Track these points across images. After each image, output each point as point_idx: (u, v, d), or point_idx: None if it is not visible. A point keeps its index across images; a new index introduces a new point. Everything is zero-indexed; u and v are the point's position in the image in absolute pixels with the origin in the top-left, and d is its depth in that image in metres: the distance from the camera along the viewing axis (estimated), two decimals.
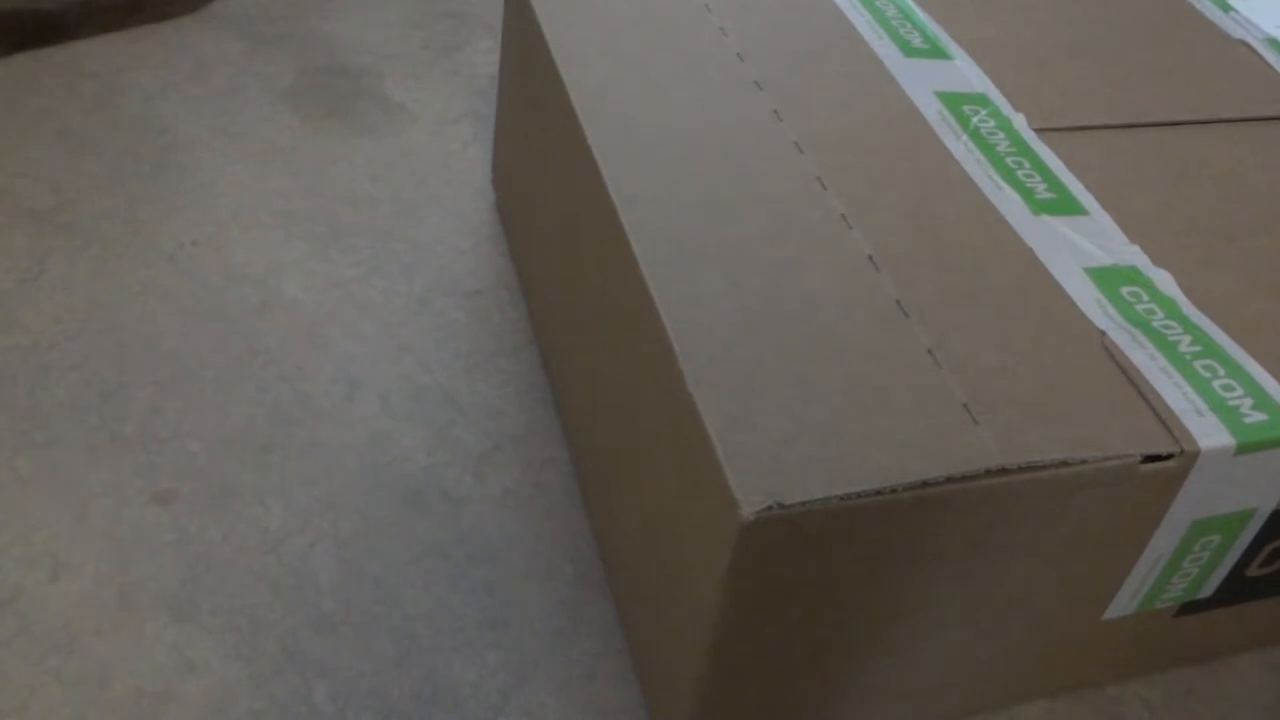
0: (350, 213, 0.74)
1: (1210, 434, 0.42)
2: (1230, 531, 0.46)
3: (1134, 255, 0.49)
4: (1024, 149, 0.54)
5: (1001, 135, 0.55)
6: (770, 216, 0.48)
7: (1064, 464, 0.40)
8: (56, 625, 0.51)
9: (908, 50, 0.60)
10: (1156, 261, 0.49)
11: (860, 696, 0.48)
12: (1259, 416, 0.42)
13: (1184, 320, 0.46)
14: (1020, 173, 0.53)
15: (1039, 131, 0.56)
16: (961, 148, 0.54)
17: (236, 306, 0.67)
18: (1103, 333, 0.45)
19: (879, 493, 0.38)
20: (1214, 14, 0.68)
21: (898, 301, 0.45)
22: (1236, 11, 0.68)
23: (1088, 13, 0.66)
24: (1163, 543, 0.45)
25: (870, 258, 0.47)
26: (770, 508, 0.37)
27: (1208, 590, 0.49)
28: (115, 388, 0.61)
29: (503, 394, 0.64)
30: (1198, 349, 0.45)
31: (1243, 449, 0.42)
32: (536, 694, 0.51)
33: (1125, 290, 0.47)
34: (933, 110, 0.56)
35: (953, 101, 0.57)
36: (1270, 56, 0.64)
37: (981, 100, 0.57)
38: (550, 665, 0.52)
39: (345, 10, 0.94)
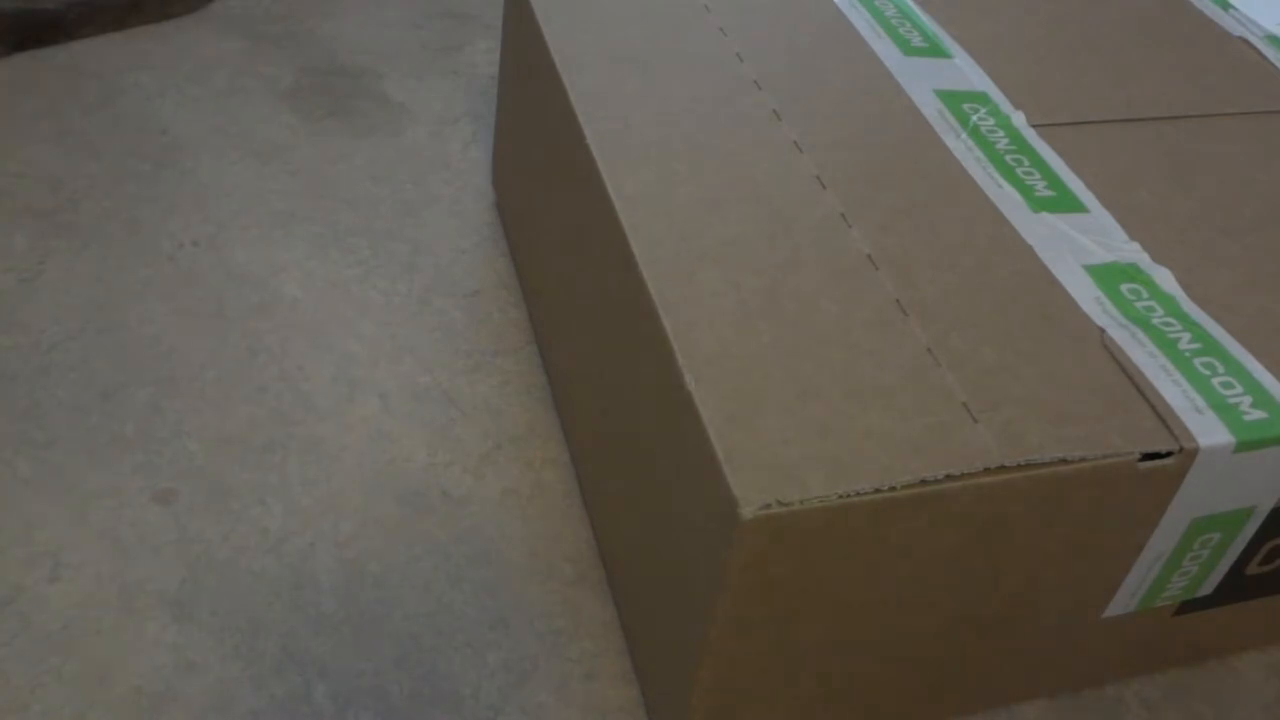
0: (350, 213, 0.74)
1: (1209, 432, 0.42)
2: (1230, 529, 0.46)
3: (1134, 252, 0.49)
4: (1024, 147, 0.54)
5: (1001, 133, 0.55)
6: (769, 216, 0.48)
7: (1063, 462, 0.40)
8: (56, 625, 0.51)
9: (907, 49, 0.60)
10: (1156, 258, 0.49)
11: (859, 696, 0.48)
12: (1258, 414, 0.42)
13: (1184, 317, 0.46)
14: (1020, 170, 0.53)
15: (1038, 129, 0.56)
16: (961, 146, 0.54)
17: (236, 306, 0.67)
18: (1102, 330, 0.45)
19: (878, 491, 0.38)
20: (1214, 11, 0.68)
21: (897, 300, 0.45)
22: (1236, 9, 0.68)
23: (1087, 11, 0.66)
24: (1162, 541, 0.45)
25: (869, 257, 0.47)
26: (770, 507, 0.37)
27: (1207, 589, 0.49)
28: (115, 388, 0.61)
29: (503, 394, 0.64)
30: (1197, 346, 0.45)
31: (1242, 447, 0.42)
32: (536, 694, 0.51)
33: (1125, 287, 0.47)
34: (932, 109, 0.56)
35: (952, 100, 0.57)
36: (1270, 53, 0.64)
37: (981, 98, 0.57)
38: (550, 665, 0.52)
39: (345, 10, 0.94)
